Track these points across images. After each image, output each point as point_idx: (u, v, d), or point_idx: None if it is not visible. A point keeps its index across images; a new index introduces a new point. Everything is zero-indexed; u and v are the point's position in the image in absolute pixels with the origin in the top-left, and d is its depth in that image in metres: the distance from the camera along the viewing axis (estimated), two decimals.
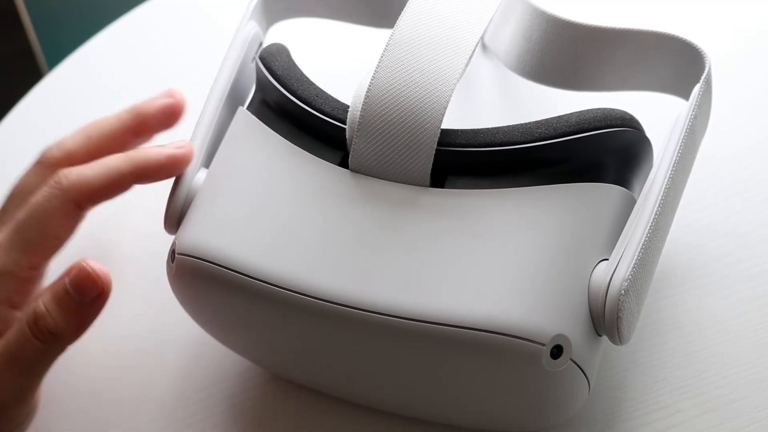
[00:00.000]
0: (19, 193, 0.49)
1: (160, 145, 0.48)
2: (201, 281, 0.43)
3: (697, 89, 0.44)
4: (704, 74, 0.44)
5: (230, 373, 0.51)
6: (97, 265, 0.45)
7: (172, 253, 0.44)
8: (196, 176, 0.47)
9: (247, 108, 0.48)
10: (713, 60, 0.46)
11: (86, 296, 0.45)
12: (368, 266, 0.41)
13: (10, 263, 0.47)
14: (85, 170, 0.47)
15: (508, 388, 0.41)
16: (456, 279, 0.40)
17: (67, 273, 0.46)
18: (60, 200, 0.47)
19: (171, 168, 0.47)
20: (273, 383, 0.50)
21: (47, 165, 0.49)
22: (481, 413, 0.44)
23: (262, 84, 0.48)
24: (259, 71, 0.48)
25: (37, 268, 0.48)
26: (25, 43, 0.98)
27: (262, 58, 0.48)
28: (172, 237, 0.46)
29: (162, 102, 0.51)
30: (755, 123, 0.55)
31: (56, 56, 0.80)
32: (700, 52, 0.45)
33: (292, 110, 0.46)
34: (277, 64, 0.47)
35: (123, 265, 0.57)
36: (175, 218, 0.46)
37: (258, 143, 0.45)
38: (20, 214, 0.47)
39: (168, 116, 0.51)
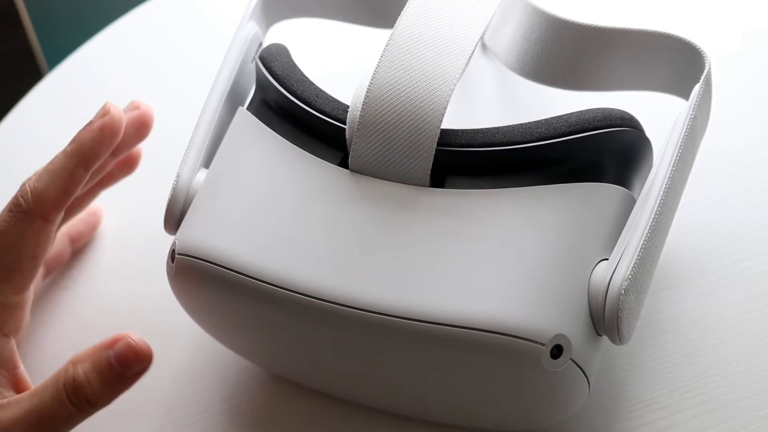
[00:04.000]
0: None
1: (88, 122, 0.48)
2: (201, 281, 0.43)
3: (696, 89, 0.44)
4: (704, 74, 0.44)
5: (230, 373, 0.51)
6: (140, 339, 0.45)
7: (172, 253, 0.44)
8: (196, 176, 0.47)
9: (247, 108, 0.48)
10: (713, 60, 0.45)
11: (130, 371, 0.45)
12: (368, 266, 0.41)
13: None
14: (38, 184, 0.48)
15: (508, 387, 0.41)
16: (455, 279, 0.40)
17: (111, 345, 0.45)
18: (26, 221, 0.47)
19: (107, 138, 0.48)
20: (273, 383, 0.50)
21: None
22: (480, 413, 0.44)
23: (262, 84, 0.48)
24: (259, 71, 0.48)
25: (23, 292, 0.48)
26: (25, 43, 0.98)
27: (262, 59, 0.48)
28: (172, 237, 0.46)
29: (128, 116, 0.51)
30: (755, 123, 0.55)
31: (56, 56, 0.80)
32: (700, 52, 0.45)
33: (292, 110, 0.46)
34: (277, 64, 0.47)
35: (123, 265, 0.57)
36: (174, 218, 0.46)
37: (258, 143, 0.45)
38: None
39: (138, 128, 0.51)
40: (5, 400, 0.46)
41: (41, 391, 0.45)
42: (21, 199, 0.48)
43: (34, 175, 0.49)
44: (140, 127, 0.51)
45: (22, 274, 0.48)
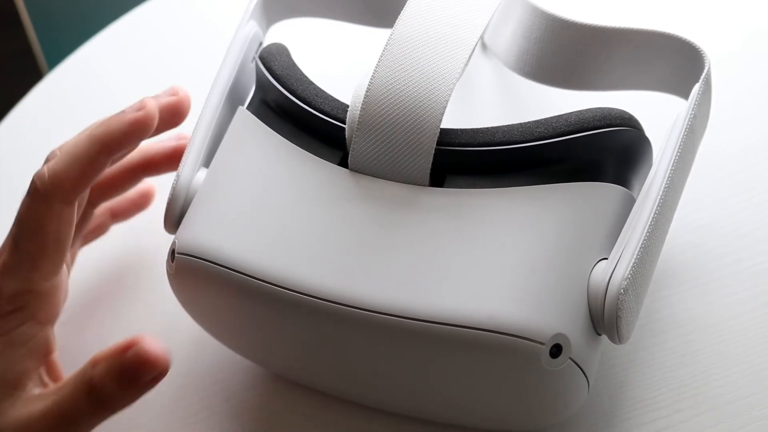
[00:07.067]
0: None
1: (120, 111, 0.47)
2: (201, 280, 0.43)
3: (696, 89, 0.44)
4: (704, 74, 0.44)
5: (230, 373, 0.51)
6: (155, 345, 0.43)
7: (172, 253, 0.44)
8: (196, 176, 0.47)
9: (247, 108, 0.48)
10: (713, 59, 0.46)
11: (145, 377, 0.43)
12: (367, 265, 0.41)
13: (22, 282, 0.46)
14: (56, 166, 0.46)
15: (507, 387, 0.41)
16: (455, 278, 0.40)
17: (126, 348, 0.43)
18: (45, 205, 0.46)
19: (137, 133, 0.46)
20: (273, 383, 0.50)
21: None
22: (480, 412, 0.44)
23: (262, 84, 0.48)
24: (258, 71, 0.48)
25: (52, 278, 0.47)
26: (25, 43, 0.98)
27: (262, 58, 0.48)
28: (172, 236, 0.46)
29: (165, 101, 0.50)
30: (755, 122, 0.55)
31: (56, 56, 0.80)
32: (699, 52, 0.46)
33: (292, 110, 0.46)
34: (277, 63, 0.47)
35: (123, 264, 0.57)
36: (174, 218, 0.46)
37: (258, 143, 0.45)
38: (14, 230, 0.47)
39: (173, 115, 0.50)
40: (37, 392, 0.45)
41: (63, 388, 0.44)
42: (38, 182, 0.46)
43: (55, 154, 0.47)
44: (175, 115, 0.50)
45: (49, 260, 0.46)
